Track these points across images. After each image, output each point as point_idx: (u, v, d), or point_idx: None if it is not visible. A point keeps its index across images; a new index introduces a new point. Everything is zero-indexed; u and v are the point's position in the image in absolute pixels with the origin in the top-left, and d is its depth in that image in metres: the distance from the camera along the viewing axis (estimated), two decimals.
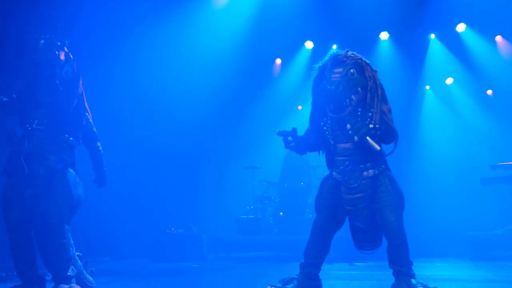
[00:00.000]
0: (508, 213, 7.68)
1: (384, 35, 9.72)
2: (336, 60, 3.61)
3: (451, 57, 9.72)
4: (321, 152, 3.85)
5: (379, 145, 3.44)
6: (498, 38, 9.40)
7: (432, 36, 9.79)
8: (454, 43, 9.53)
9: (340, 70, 3.56)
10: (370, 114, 3.53)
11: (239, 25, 9.01)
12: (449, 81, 10.18)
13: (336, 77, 3.53)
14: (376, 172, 3.59)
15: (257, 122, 9.82)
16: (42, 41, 4.03)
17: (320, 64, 3.74)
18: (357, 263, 6.61)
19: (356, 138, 3.40)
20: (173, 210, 8.98)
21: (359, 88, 3.55)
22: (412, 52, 9.61)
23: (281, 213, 8.87)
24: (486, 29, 9.18)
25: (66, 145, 3.96)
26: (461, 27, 9.39)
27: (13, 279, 4.92)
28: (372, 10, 8.72)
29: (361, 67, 3.61)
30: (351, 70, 3.56)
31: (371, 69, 3.67)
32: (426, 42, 9.83)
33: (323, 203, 3.70)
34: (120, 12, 7.90)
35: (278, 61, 10.24)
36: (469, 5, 8.63)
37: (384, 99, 3.62)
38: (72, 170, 3.98)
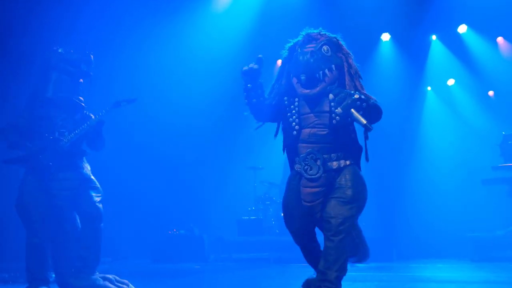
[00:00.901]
0: (509, 214, 7.67)
1: (385, 36, 9.74)
2: (309, 38, 3.27)
3: (453, 58, 9.72)
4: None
5: (365, 119, 2.90)
6: (500, 39, 9.40)
7: (434, 37, 9.79)
8: (455, 44, 9.53)
9: (313, 45, 3.20)
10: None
11: (240, 28, 9.01)
12: (451, 82, 10.18)
13: (309, 50, 3.15)
14: (342, 165, 3.12)
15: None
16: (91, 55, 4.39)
17: (291, 44, 3.37)
18: (358, 264, 6.61)
19: (339, 109, 2.90)
20: (175, 211, 8.99)
21: (333, 66, 3.15)
22: (413, 53, 9.62)
23: (282, 214, 8.86)
24: (487, 30, 9.18)
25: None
26: (462, 28, 9.40)
27: (16, 281, 4.94)
28: (373, 12, 8.73)
29: (336, 45, 3.25)
30: (325, 47, 3.19)
31: (346, 50, 3.30)
32: (427, 43, 9.83)
33: (291, 202, 3.24)
34: (119, 15, 7.92)
35: (279, 62, 10.24)
36: (470, 7, 8.63)
37: (361, 84, 3.22)
38: None
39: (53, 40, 7.02)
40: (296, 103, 3.22)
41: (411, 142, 9.57)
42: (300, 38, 3.33)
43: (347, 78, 3.18)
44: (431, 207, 9.04)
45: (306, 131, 3.15)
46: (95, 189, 4.25)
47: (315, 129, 3.12)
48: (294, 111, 3.22)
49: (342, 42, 3.30)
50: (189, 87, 9.02)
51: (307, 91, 3.11)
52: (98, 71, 7.75)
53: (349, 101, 2.88)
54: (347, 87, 3.12)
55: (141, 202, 8.60)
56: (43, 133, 4.08)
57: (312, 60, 3.07)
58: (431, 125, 10.06)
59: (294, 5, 8.85)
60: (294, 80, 3.17)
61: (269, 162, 9.47)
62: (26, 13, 7.19)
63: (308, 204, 3.15)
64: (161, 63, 8.73)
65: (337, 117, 3.00)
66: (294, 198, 3.22)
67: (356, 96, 2.93)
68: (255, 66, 3.18)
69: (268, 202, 8.98)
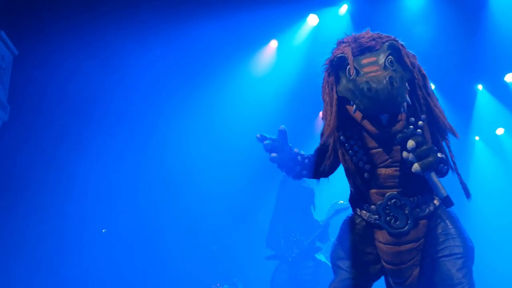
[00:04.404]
0: None
1: None
2: (360, 46, 2.34)
3: (501, 108, 9.51)
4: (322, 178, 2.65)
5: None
6: None
7: (480, 87, 9.63)
8: (503, 93, 9.34)
9: (373, 59, 2.27)
10: (441, 126, 2.33)
11: (279, 94, 8.80)
12: (500, 131, 9.93)
13: (375, 71, 2.21)
14: (432, 208, 2.38)
15: None
16: None
17: (334, 57, 2.41)
18: None
19: (417, 166, 2.11)
20: (217, 263, 8.75)
21: (407, 84, 2.30)
22: (459, 103, 9.46)
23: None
24: None
25: None
26: (510, 77, 9.23)
27: None
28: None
29: (399, 52, 2.35)
30: (390, 58, 2.28)
31: (409, 53, 2.43)
32: (473, 93, 9.67)
33: (348, 259, 2.48)
34: (148, 85, 8.17)
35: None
36: None
37: (436, 99, 2.41)
38: None
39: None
40: (357, 136, 2.41)
41: (459, 191, 9.26)
42: (344, 43, 2.44)
43: (419, 94, 2.35)
44: (478, 269, 8.50)
45: (383, 171, 2.35)
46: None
47: (392, 169, 2.34)
48: (356, 146, 2.41)
49: (403, 43, 2.45)
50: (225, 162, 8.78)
51: (388, 131, 2.26)
52: (130, 145, 8.04)
53: (432, 160, 2.11)
54: (421, 106, 2.35)
55: (181, 251, 8.50)
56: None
57: (394, 92, 2.14)
58: (480, 175, 9.76)
59: None
60: (358, 115, 2.31)
61: None
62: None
63: (394, 267, 2.39)
64: (195, 131, 8.67)
65: (418, 168, 2.15)
66: (353, 254, 2.48)
67: (440, 155, 2.17)
68: (267, 142, 2.40)
69: None
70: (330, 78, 2.46)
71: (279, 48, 8.94)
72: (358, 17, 8.35)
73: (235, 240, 9.14)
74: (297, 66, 8.68)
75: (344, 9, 8.51)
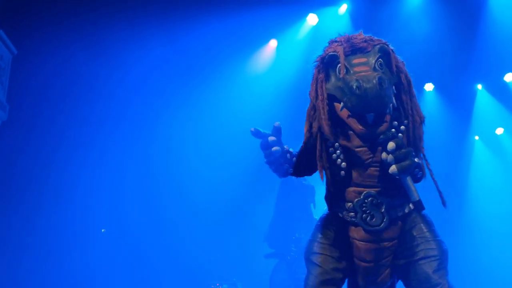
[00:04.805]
0: None
1: (429, 87, 9.63)
2: (352, 46, 2.39)
3: (501, 107, 9.51)
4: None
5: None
6: None
7: (479, 86, 9.63)
8: (503, 93, 9.33)
9: (363, 60, 2.34)
10: (416, 133, 2.42)
11: (281, 88, 8.76)
12: (500, 131, 9.93)
13: (365, 71, 2.28)
14: (407, 211, 2.42)
15: None
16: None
17: (326, 55, 2.45)
18: None
19: (394, 168, 2.19)
20: (217, 262, 8.74)
21: (394, 87, 2.40)
22: (458, 103, 9.47)
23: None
24: None
25: None
26: (509, 77, 9.22)
27: None
28: (415, 62, 8.65)
29: (389, 56, 2.41)
30: (380, 61, 2.36)
31: (398, 58, 2.52)
32: (472, 93, 9.66)
33: (322, 254, 2.49)
34: (153, 83, 8.16)
35: None
36: None
37: (418, 106, 2.53)
38: None
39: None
40: (340, 134, 2.43)
41: (459, 191, 9.27)
42: (336, 42, 2.49)
43: (404, 99, 2.46)
44: (477, 269, 8.49)
45: (358, 171, 2.40)
46: None
47: (372, 169, 2.38)
48: (336, 144, 2.42)
49: (392, 48, 2.50)
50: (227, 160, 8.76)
51: (374, 131, 2.30)
52: (136, 143, 8.05)
53: (409, 163, 2.21)
54: (405, 111, 2.44)
55: (181, 251, 8.48)
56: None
57: (383, 92, 2.22)
58: (480, 174, 9.76)
59: None
60: (344, 113, 2.36)
61: None
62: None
63: (367, 264, 2.43)
64: (198, 130, 8.67)
65: (395, 170, 2.23)
66: (327, 250, 2.50)
67: (417, 160, 2.28)
68: (273, 138, 2.39)
69: None
70: (320, 75, 2.49)
71: (278, 47, 8.95)
72: (358, 17, 8.34)
73: (234, 240, 9.15)
74: (297, 65, 8.68)
75: (343, 8, 8.50)
